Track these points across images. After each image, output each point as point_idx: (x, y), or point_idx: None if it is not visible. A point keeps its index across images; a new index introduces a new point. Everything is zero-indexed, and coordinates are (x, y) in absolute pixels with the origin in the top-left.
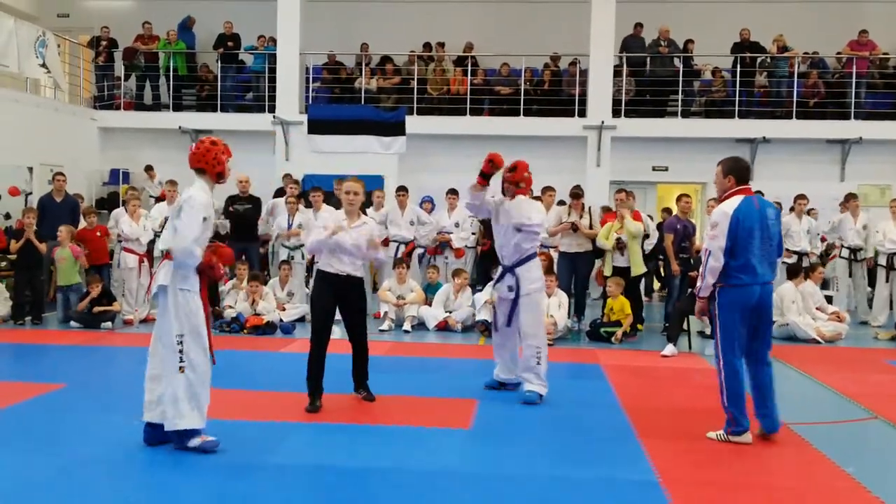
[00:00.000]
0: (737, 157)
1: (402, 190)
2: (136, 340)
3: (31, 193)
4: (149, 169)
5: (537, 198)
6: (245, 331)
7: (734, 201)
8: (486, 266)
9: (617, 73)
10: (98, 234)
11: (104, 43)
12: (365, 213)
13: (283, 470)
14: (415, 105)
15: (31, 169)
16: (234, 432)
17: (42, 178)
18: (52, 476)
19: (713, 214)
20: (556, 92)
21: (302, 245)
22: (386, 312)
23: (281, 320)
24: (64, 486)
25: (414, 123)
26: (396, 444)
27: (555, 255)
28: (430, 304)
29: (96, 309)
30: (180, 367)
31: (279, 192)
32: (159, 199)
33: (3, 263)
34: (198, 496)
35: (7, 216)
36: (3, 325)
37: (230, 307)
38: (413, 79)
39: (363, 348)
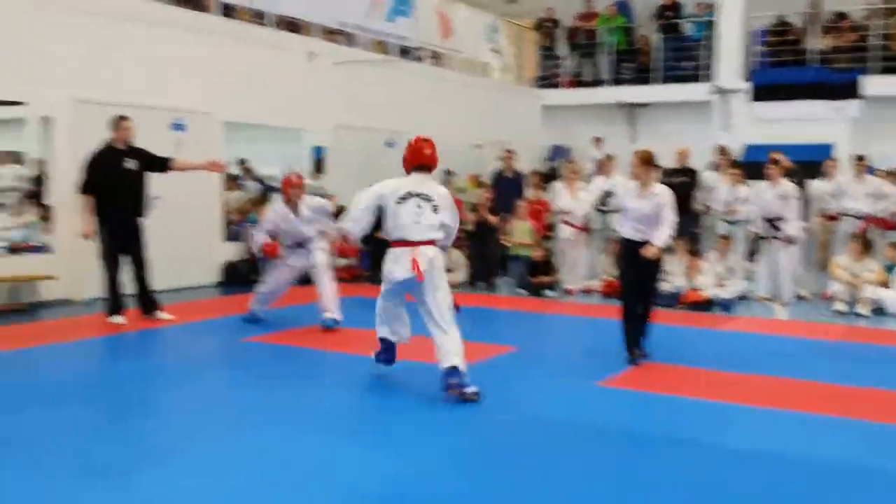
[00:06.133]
0: None
1: (860, 158)
2: (576, 310)
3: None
4: (597, 140)
5: None
6: (681, 306)
7: None
8: None
9: None
10: (538, 207)
11: (548, 24)
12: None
13: (733, 454)
14: (873, 64)
15: (479, 146)
16: (671, 407)
17: (491, 155)
18: (511, 435)
19: None
20: None
21: (743, 220)
22: (837, 293)
23: (719, 297)
24: (525, 445)
25: (873, 84)
26: (868, 440)
27: None
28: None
29: (541, 279)
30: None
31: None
32: (599, 172)
33: (462, 234)
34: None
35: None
36: (460, 290)
37: (667, 281)
38: (872, 35)
39: (645, 310)
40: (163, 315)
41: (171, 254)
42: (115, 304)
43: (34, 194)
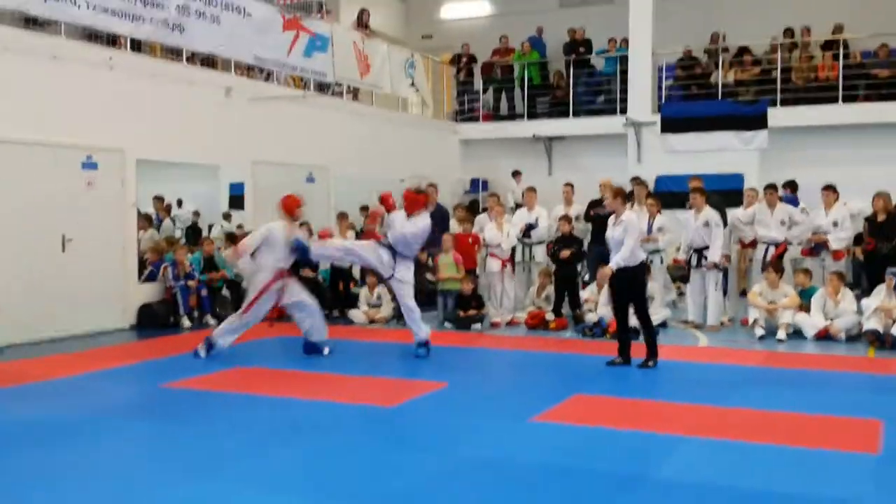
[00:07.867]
0: None
1: (771, 188)
2: (504, 343)
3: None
4: (516, 174)
5: None
6: (608, 335)
7: None
8: (870, 269)
9: None
10: (470, 240)
11: (464, 59)
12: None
13: (670, 486)
14: (778, 96)
15: (402, 181)
16: (601, 440)
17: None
18: (444, 477)
19: None
20: None
21: (661, 249)
22: (756, 319)
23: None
24: (459, 487)
25: (777, 115)
26: (793, 466)
27: None
28: (806, 311)
29: (468, 312)
30: None
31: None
32: (519, 205)
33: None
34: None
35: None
36: (387, 325)
37: (591, 311)
38: (775, 68)
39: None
40: None
41: (80, 296)
42: None
43: None
